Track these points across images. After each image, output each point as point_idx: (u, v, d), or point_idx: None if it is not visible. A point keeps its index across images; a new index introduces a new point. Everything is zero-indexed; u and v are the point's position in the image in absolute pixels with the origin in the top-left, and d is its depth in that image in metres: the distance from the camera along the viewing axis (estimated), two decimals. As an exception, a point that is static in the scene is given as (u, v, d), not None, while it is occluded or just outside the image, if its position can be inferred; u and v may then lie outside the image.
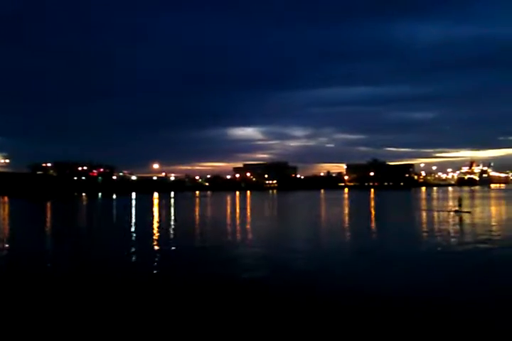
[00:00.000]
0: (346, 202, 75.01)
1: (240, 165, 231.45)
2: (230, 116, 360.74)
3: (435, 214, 40.17)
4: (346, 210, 52.18)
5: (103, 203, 76.52)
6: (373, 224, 34.02)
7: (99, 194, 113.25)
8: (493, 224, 31.76)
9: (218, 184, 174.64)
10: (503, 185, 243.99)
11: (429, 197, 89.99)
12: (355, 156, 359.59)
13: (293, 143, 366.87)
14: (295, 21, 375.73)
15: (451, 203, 59.32)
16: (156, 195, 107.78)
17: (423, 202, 67.94)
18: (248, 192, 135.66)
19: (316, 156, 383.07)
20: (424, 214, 41.21)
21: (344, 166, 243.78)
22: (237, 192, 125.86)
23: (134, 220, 38.56)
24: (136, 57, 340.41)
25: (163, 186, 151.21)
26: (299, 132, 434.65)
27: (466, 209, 41.20)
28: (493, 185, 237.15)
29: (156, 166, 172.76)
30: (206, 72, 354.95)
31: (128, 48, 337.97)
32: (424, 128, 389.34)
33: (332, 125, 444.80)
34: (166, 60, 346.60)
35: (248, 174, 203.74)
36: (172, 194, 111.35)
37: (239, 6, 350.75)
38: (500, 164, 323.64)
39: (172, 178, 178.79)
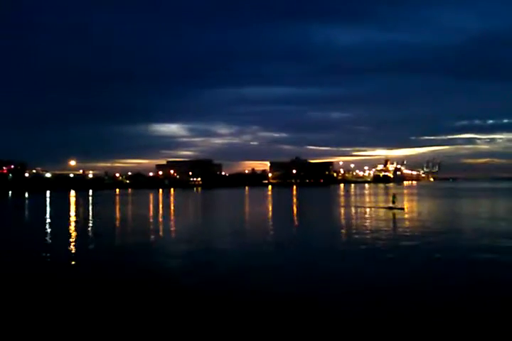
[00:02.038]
0: (270, 199, 76.10)
1: (163, 162, 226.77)
2: (153, 112, 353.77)
3: (367, 210, 41.50)
4: (270, 207, 52.84)
5: (14, 202, 71.23)
6: (297, 221, 34.65)
7: (10, 192, 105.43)
8: (426, 219, 32.63)
9: (140, 181, 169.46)
10: (414, 182, 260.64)
11: (347, 193, 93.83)
12: (279, 154, 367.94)
13: (218, 141, 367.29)
14: (221, 21, 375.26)
15: (371, 199, 61.91)
16: (72, 193, 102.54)
17: (351, 199, 70.54)
18: (172, 189, 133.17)
19: (241, 154, 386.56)
20: (353, 210, 42.59)
21: (268, 164, 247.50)
22: (160, 190, 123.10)
23: (48, 220, 36.13)
24: (62, 52, 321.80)
25: (81, 184, 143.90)
26: (223, 130, 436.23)
27: (399, 206, 41.87)
28: (405, 182, 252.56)
29: (72, 163, 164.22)
30: (130, 69, 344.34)
31: (59, 45, 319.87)
32: (343, 128, 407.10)
33: (256, 123, 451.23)
34: (93, 55, 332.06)
35: (172, 171, 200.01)
36: (90, 192, 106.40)
37: (162, 6, 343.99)
38: (413, 162, 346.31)
39: (90, 175, 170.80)
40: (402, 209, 39.85)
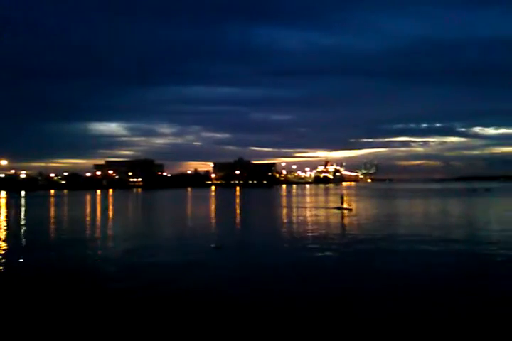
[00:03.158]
0: (213, 200, 75.25)
1: (101, 162, 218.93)
2: (91, 110, 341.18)
3: (315, 211, 41.69)
4: (212, 208, 52.08)
5: None
6: (239, 221, 34.19)
7: None
8: (372, 218, 33.34)
9: (77, 182, 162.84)
10: (353, 183, 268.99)
11: (289, 194, 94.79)
12: (222, 155, 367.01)
13: (159, 141, 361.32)
14: (166, 20, 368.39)
15: (316, 199, 62.58)
16: (3, 194, 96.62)
17: (297, 200, 70.97)
18: (110, 190, 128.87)
19: (184, 154, 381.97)
20: (302, 211, 42.61)
21: (211, 164, 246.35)
22: (98, 191, 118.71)
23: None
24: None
25: (13, 185, 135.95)
26: (165, 129, 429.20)
27: (347, 206, 42.29)
28: (344, 183, 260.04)
29: (4, 162, 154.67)
30: (69, 65, 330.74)
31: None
32: (286, 129, 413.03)
33: (199, 123, 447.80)
34: (27, 51, 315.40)
35: (110, 172, 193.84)
36: (23, 193, 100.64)
37: (107, 4, 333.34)
38: (351, 164, 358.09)
39: (23, 176, 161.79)
40: (350, 209, 40.60)
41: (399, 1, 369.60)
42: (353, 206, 42.41)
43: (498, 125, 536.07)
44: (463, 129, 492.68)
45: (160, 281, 13.72)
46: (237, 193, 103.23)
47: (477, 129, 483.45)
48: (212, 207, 55.19)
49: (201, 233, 25.90)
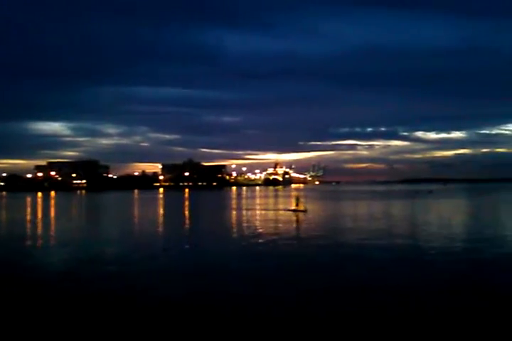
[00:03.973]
0: (161, 202, 73.52)
1: (43, 162, 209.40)
2: (33, 109, 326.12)
3: (269, 213, 41.38)
4: (160, 211, 50.70)
5: None
6: (188, 223, 33.31)
7: None
8: (325, 220, 33.50)
9: (16, 184, 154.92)
10: (302, 185, 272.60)
11: (239, 196, 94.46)
12: (171, 156, 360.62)
13: (105, 141, 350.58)
14: (115, 19, 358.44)
15: (262, 201, 62.33)
16: None
17: (248, 202, 70.46)
18: (53, 192, 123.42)
19: (131, 155, 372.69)
20: (255, 213, 42.09)
21: (159, 166, 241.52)
22: (39, 193, 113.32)
23: None
24: None
25: None
26: (111, 129, 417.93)
27: (302, 208, 41.91)
28: (293, 185, 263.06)
29: None
30: (10, 62, 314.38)
31: None
32: (236, 131, 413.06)
33: (148, 124, 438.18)
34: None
35: (53, 173, 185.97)
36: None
37: (58, 1, 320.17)
38: (300, 166, 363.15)
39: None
40: (305, 211, 40.62)
41: (348, 9, 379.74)
42: (307, 208, 42.36)
43: (438, 130, 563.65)
44: (406, 134, 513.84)
45: (99, 287, 12.84)
46: (187, 195, 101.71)
47: (419, 134, 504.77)
48: (161, 209, 53.76)
49: (148, 236, 24.95)
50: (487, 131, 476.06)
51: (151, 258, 17.45)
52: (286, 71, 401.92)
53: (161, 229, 30.38)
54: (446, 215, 38.13)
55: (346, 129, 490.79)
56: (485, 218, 35.29)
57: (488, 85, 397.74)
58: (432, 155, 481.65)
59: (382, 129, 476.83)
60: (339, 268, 15.65)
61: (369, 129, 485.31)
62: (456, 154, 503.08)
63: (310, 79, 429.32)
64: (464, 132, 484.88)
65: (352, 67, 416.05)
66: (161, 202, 73.98)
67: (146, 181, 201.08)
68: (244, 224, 31.33)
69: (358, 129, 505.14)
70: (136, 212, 49.68)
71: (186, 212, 46.92)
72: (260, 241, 22.29)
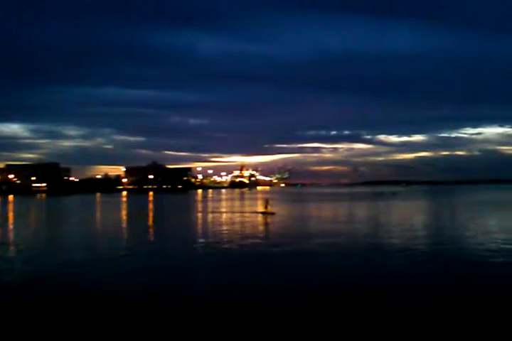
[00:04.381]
0: (124, 205, 71.74)
1: (1, 165, 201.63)
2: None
3: (236, 216, 40.79)
4: (123, 214, 49.30)
5: None
6: (151, 227, 32.39)
7: None
8: (294, 224, 33.05)
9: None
10: (268, 188, 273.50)
11: (205, 199, 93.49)
12: (135, 159, 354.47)
13: (66, 143, 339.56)
14: (79, 18, 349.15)
15: (229, 204, 61.72)
16: None
17: (210, 204, 69.60)
18: (11, 196, 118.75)
19: (93, 158, 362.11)
20: (220, 216, 41.37)
21: (123, 169, 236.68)
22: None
23: None
24: None
25: None
26: (73, 131, 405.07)
27: (270, 211, 41.66)
28: (259, 188, 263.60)
29: None
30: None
31: None
32: (202, 133, 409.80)
33: (111, 126, 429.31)
34: None
35: (11, 176, 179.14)
36: None
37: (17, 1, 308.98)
38: (266, 169, 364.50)
39: None
40: (273, 213, 40.26)
41: (316, 15, 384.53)
42: (275, 210, 42.12)
43: (400, 133, 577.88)
44: (369, 137, 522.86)
45: (57, 289, 12.42)
46: (151, 198, 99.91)
47: (382, 137, 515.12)
48: (124, 213, 52.31)
49: (108, 241, 24.07)
50: (446, 135, 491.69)
51: (108, 263, 17.06)
52: (253, 74, 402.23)
53: (122, 233, 29.36)
54: (414, 216, 38.74)
55: (311, 132, 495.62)
56: (446, 218, 36.02)
57: (448, 90, 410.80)
58: (394, 157, 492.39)
59: (346, 132, 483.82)
60: (297, 270, 15.40)
61: (333, 132, 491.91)
62: (417, 157, 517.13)
63: (276, 83, 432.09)
64: (424, 135, 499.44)
65: (317, 72, 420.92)
66: (124, 205, 72.21)
67: (109, 184, 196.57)
68: (210, 228, 30.74)
69: (322, 132, 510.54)
70: (97, 215, 48.12)
71: (150, 216, 45.80)
72: (225, 245, 21.76)
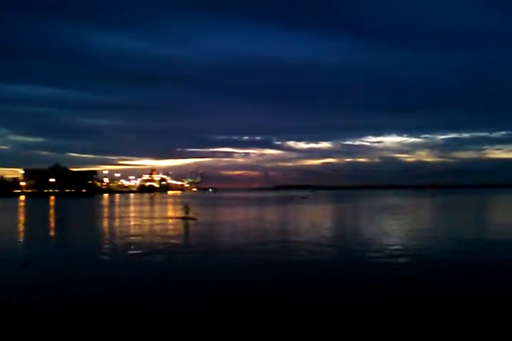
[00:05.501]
0: (21, 211, 65.94)
1: None
2: None
3: (151, 221, 39.12)
4: (20, 221, 45.04)
5: None
6: (53, 235, 29.76)
7: None
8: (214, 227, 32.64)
9: None
10: (179, 192, 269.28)
11: (112, 203, 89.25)
12: (35, 161, 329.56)
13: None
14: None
15: (138, 209, 59.30)
16: None
17: (117, 209, 66.19)
18: None
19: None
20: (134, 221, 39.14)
21: (21, 171, 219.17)
22: None
23: None
24: None
25: None
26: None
27: (191, 216, 40.35)
28: (170, 192, 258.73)
29: None
30: None
31: None
32: (110, 135, 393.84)
33: (7, 126, 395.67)
34: None
35: None
36: None
37: None
38: (178, 173, 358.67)
39: None
40: (194, 219, 38.91)
41: (221, 21, 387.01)
42: (195, 215, 40.83)
43: (308, 140, 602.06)
44: (279, 143, 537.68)
45: None
46: (52, 203, 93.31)
47: (291, 143, 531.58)
48: (22, 219, 47.86)
49: (5, 249, 21.61)
50: (350, 142, 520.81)
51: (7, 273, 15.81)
52: (167, 76, 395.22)
53: (21, 241, 26.58)
54: (324, 219, 39.78)
55: (224, 137, 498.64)
56: (350, 219, 37.54)
57: (353, 99, 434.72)
58: (302, 163, 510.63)
59: (258, 138, 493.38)
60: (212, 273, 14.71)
61: (245, 138, 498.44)
62: (323, 163, 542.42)
63: (191, 87, 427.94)
64: (330, 142, 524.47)
65: (229, 77, 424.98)
66: (21, 210, 66.41)
67: (5, 187, 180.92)
68: (117, 235, 28.88)
69: (235, 137, 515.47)
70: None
71: (51, 222, 42.31)
72: (132, 251, 20.46)
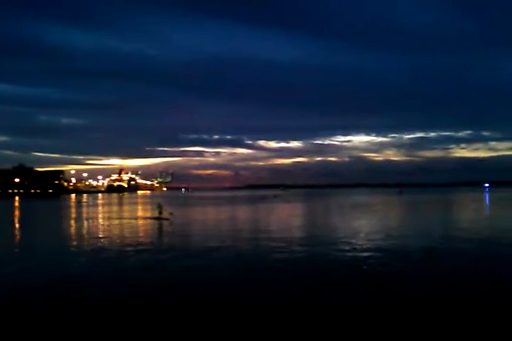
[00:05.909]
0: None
1: None
2: None
3: (122, 222, 38.09)
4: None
5: None
6: (17, 237, 28.46)
7: None
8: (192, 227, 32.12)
9: None
10: (148, 192, 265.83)
11: (79, 204, 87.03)
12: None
13: None
14: None
15: (106, 209, 57.92)
16: None
17: (86, 210, 64.37)
18: None
19: None
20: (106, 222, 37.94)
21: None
22: None
23: None
24: None
25: None
26: None
27: (165, 216, 39.38)
28: (140, 192, 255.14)
29: None
30: None
31: None
32: (76, 134, 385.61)
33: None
34: None
35: None
36: None
37: None
38: (147, 172, 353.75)
39: None
40: (168, 219, 37.96)
41: (202, 20, 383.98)
42: (168, 215, 39.87)
43: (279, 139, 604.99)
44: (250, 142, 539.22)
45: None
46: (16, 204, 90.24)
47: (262, 142, 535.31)
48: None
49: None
50: (320, 142, 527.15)
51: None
52: (135, 74, 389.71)
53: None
54: (292, 217, 39.67)
55: (194, 136, 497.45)
56: (321, 218, 37.68)
57: (323, 100, 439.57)
58: (273, 162, 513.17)
59: (228, 137, 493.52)
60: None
61: (216, 137, 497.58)
62: (294, 162, 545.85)
63: (159, 85, 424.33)
64: (300, 142, 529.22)
65: (202, 76, 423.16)
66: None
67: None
68: (85, 237, 27.85)
69: (205, 136, 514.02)
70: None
71: (16, 224, 40.63)
72: (101, 255, 19.64)
